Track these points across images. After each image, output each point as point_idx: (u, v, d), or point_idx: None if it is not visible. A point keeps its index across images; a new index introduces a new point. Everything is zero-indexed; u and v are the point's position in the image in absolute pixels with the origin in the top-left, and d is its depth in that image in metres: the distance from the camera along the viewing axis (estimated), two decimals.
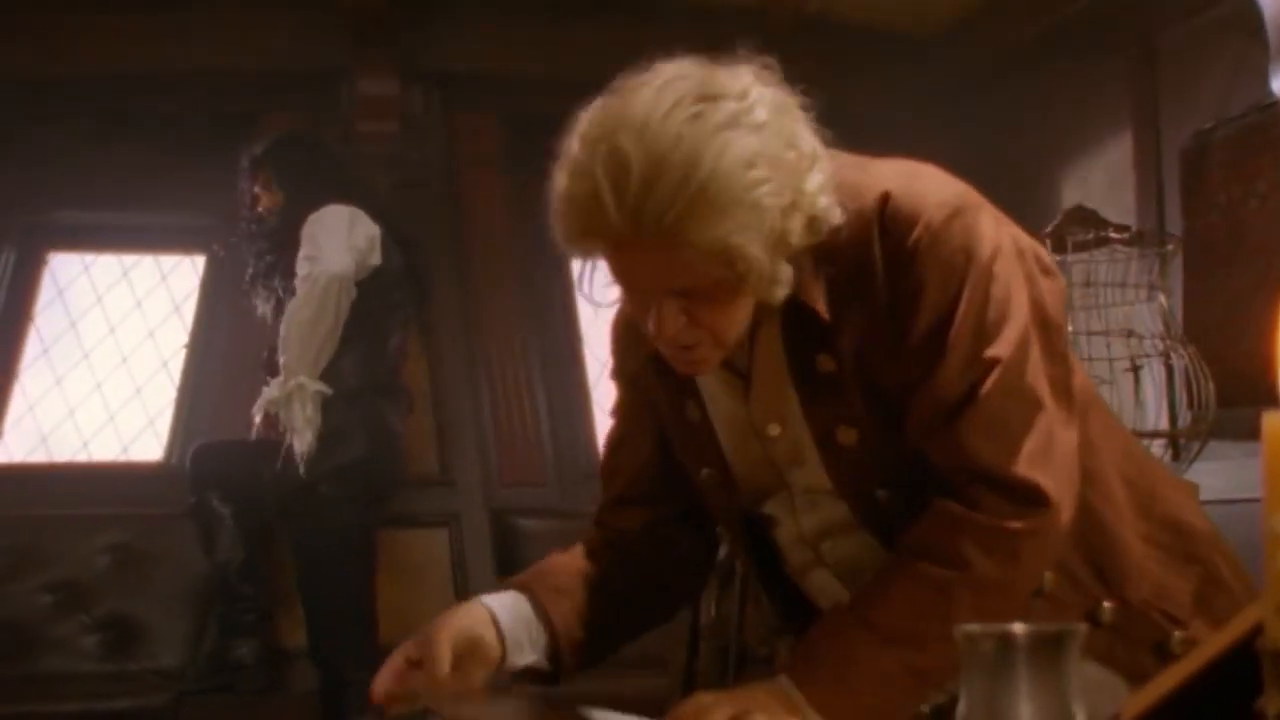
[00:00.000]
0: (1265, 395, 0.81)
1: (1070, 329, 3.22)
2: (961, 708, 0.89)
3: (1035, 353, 1.37)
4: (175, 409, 4.85)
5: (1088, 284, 3.47)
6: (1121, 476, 1.50)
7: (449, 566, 4.45)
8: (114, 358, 4.96)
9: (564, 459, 4.86)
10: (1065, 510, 1.36)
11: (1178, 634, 1.46)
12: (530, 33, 4.83)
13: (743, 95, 1.30)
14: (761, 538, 1.59)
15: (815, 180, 1.33)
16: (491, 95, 4.94)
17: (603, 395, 4.99)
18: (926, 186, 1.39)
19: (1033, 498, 1.33)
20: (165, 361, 4.95)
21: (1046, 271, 1.44)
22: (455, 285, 4.76)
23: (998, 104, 4.65)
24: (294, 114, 4.70)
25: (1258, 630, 0.71)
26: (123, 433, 4.90)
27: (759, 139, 1.28)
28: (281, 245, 4.00)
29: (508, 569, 4.47)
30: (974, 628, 0.92)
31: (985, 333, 1.35)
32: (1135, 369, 3.49)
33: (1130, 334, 3.47)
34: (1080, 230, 3.41)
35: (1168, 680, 0.86)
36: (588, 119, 1.32)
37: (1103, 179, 4.22)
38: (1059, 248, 3.36)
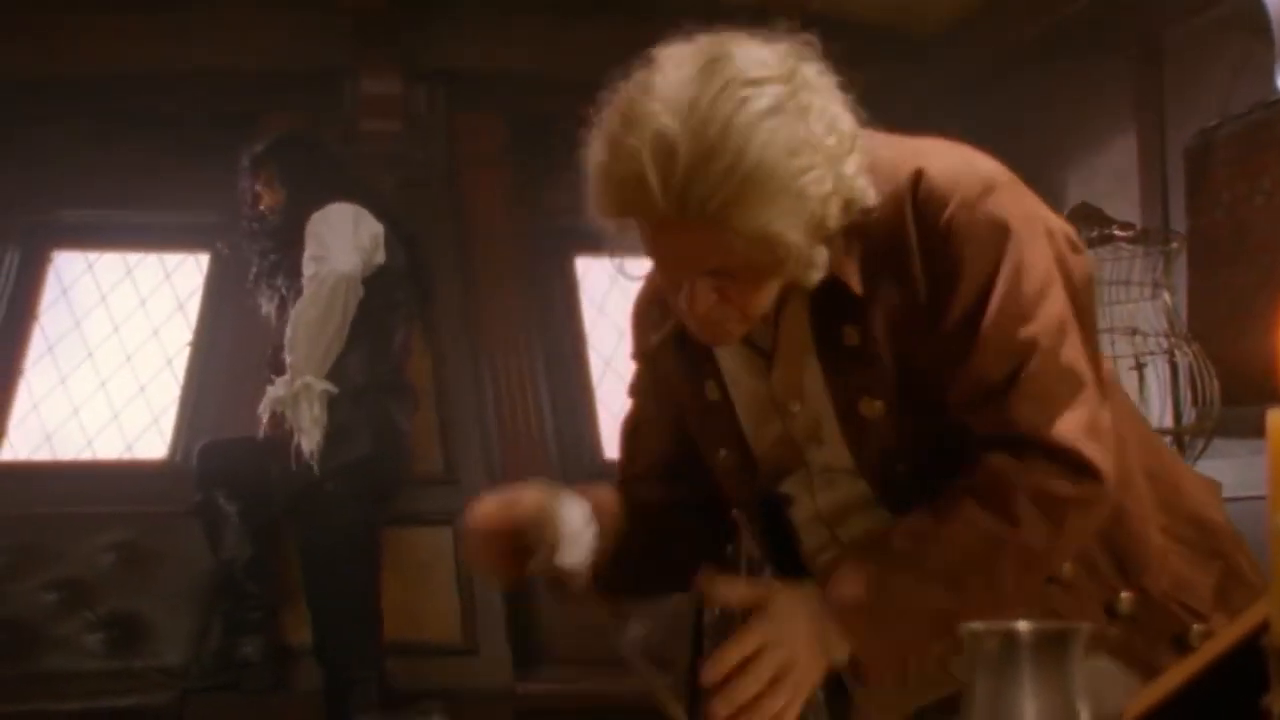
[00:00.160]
0: (1269, 393, 0.81)
1: None
2: (966, 705, 0.89)
3: (1073, 330, 1.38)
4: (179, 407, 4.85)
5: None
6: (1143, 468, 1.50)
7: (453, 564, 4.45)
8: (118, 356, 4.96)
9: (568, 457, 4.85)
10: (1111, 486, 1.36)
11: (1197, 627, 1.45)
12: (532, 32, 4.84)
13: (787, 78, 1.30)
14: (776, 521, 1.59)
15: (853, 163, 1.34)
16: (494, 94, 4.94)
17: (606, 393, 4.99)
18: (959, 164, 1.40)
19: (1084, 468, 1.34)
20: (169, 360, 4.95)
21: (1076, 249, 1.45)
22: (458, 284, 4.76)
23: (999, 103, 4.64)
24: (296, 113, 4.70)
25: (1264, 627, 0.71)
26: (127, 431, 4.91)
27: (804, 125, 1.29)
28: (285, 244, 4.01)
29: None
30: (978, 625, 0.92)
31: (1024, 310, 1.35)
32: (1140, 367, 3.49)
33: (1134, 332, 3.47)
34: (1084, 228, 3.41)
35: (1174, 677, 0.86)
36: (630, 94, 1.31)
37: (1107, 177, 4.22)
38: None
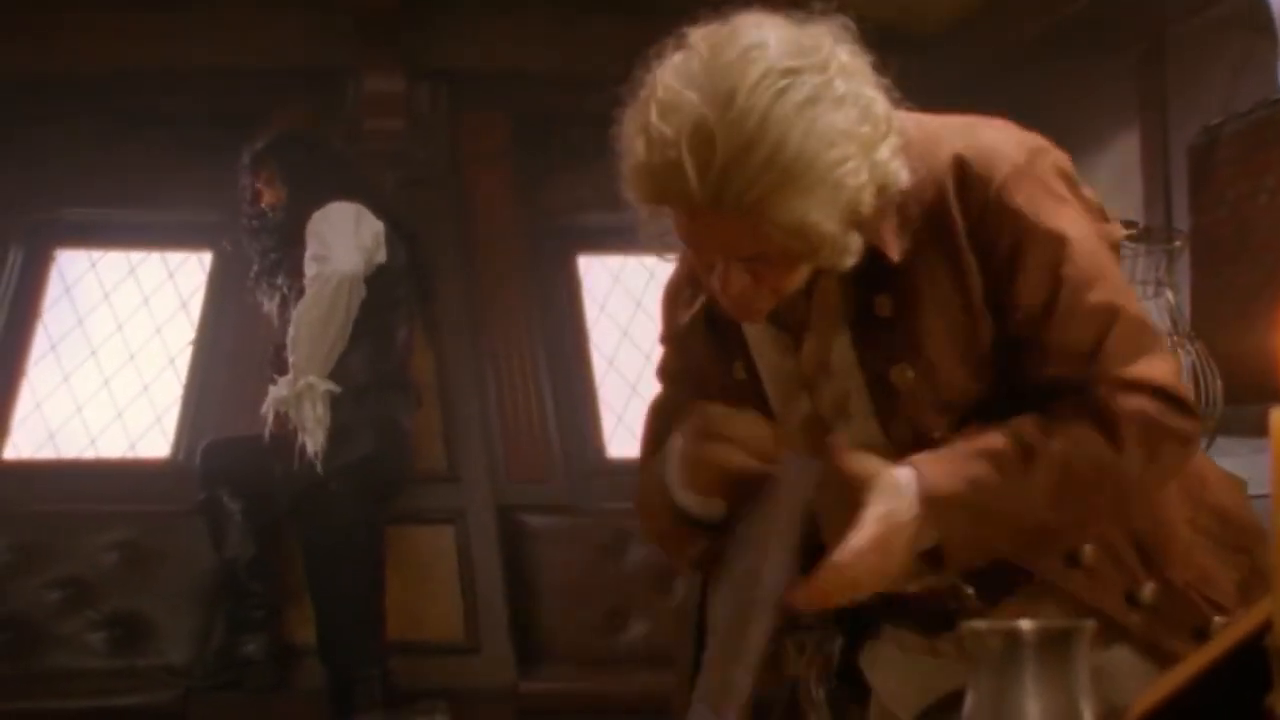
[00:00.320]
0: (1272, 392, 0.81)
1: None
2: (969, 704, 0.89)
3: (1130, 291, 1.44)
4: (182, 406, 4.85)
5: None
6: None
7: (455, 563, 4.45)
8: (121, 354, 4.96)
9: (570, 455, 4.85)
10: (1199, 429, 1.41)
11: (1218, 619, 1.45)
12: (537, 30, 4.84)
13: (824, 66, 1.31)
14: None
15: (887, 148, 1.35)
16: (498, 92, 4.94)
17: (609, 392, 4.99)
18: (994, 141, 1.43)
19: (1183, 405, 1.39)
20: (172, 358, 4.95)
21: (1104, 217, 1.50)
22: (461, 282, 4.76)
23: (1000, 102, 4.59)
24: (299, 112, 4.70)
25: (1268, 627, 0.71)
26: (130, 429, 4.91)
27: (840, 115, 1.29)
28: (286, 242, 4.01)
29: (514, 565, 4.48)
30: (980, 624, 0.92)
31: (1093, 276, 1.39)
32: None
33: None
34: None
35: (1178, 675, 0.86)
36: (666, 79, 1.31)
37: (1109, 175, 4.21)
38: None
